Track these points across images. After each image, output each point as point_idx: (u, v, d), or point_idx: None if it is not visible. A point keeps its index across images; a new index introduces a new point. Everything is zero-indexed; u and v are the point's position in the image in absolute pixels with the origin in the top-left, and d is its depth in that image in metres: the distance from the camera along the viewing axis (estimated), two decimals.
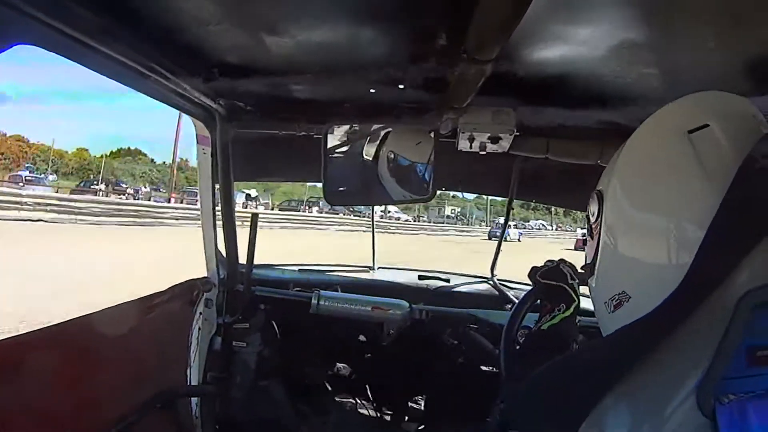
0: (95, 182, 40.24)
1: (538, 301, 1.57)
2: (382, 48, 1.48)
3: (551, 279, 1.49)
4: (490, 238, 36.99)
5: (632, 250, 0.94)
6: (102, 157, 51.26)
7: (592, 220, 1.05)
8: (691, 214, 0.84)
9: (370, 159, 2.21)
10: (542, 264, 1.55)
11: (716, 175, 0.82)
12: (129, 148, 57.88)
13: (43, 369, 1.46)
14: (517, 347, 1.58)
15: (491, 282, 2.79)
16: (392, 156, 2.19)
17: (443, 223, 54.29)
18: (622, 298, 0.94)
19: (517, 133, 1.92)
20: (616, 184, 0.99)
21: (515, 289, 2.72)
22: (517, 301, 1.80)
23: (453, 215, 61.70)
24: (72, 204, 22.92)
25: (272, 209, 40.67)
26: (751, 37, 1.22)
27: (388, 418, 2.61)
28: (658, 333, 0.80)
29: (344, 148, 2.21)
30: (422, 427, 2.61)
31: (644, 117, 1.00)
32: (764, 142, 0.80)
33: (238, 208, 2.60)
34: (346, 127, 2.20)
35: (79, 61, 1.28)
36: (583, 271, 1.13)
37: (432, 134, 2.08)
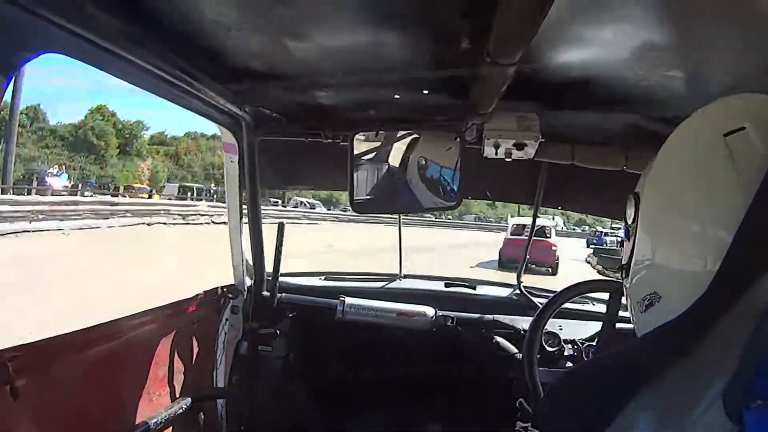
0: None
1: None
2: (405, 52, 1.48)
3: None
4: None
5: (664, 252, 0.93)
6: None
7: (629, 221, 1.05)
8: (722, 218, 0.83)
9: (397, 165, 2.21)
10: None
11: (749, 178, 0.80)
12: None
13: (73, 371, 1.49)
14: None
15: (518, 289, 2.76)
16: (422, 162, 2.18)
17: None
18: (653, 298, 0.93)
19: (542, 140, 1.91)
20: (652, 186, 0.99)
21: (542, 296, 2.68)
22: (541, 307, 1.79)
23: None
24: None
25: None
26: None
27: (412, 423, 2.59)
28: (685, 337, 0.79)
29: (371, 155, 2.21)
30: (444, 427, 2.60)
31: (670, 120, 0.99)
32: None
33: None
34: (373, 133, 2.21)
35: (104, 69, 1.31)
36: (619, 272, 1.12)
37: (458, 140, 2.08)
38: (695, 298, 0.79)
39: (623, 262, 1.08)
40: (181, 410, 1.93)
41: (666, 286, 0.92)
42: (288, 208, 36.39)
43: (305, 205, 42.46)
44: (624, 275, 1.07)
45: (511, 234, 19.63)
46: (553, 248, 19.41)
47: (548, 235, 19.33)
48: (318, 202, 44.34)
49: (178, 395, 1.99)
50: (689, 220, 0.88)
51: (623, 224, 1.10)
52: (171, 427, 1.85)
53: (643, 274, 0.98)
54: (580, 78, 1.55)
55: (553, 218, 23.98)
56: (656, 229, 0.96)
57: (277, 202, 37.63)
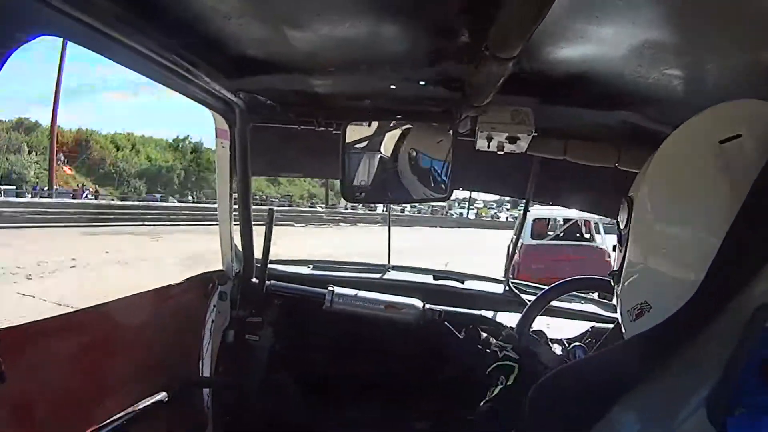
0: None
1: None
2: (404, 44, 1.48)
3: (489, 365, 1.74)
4: None
5: (656, 260, 0.93)
6: None
7: (622, 227, 1.05)
8: (714, 226, 0.82)
9: (389, 156, 2.22)
10: None
11: (744, 186, 0.80)
12: None
13: (58, 356, 1.49)
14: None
15: (506, 285, 2.77)
16: (414, 153, 2.19)
17: None
18: (643, 307, 0.94)
19: (536, 134, 1.92)
20: (645, 192, 0.98)
21: (530, 293, 2.69)
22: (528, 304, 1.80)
23: None
24: None
25: None
26: None
27: (398, 414, 2.60)
28: (670, 343, 0.79)
29: (363, 145, 2.21)
30: (431, 424, 2.61)
31: (664, 119, 1.00)
32: None
33: None
34: (366, 123, 2.21)
35: (101, 52, 1.30)
36: (611, 278, 1.12)
37: (451, 132, 2.08)
38: None
39: (615, 268, 1.08)
40: (167, 398, 1.92)
41: (657, 295, 0.92)
42: None
43: None
44: (616, 281, 1.07)
45: (534, 236, 11.10)
46: (607, 259, 10.12)
47: (591, 237, 11.38)
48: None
49: (164, 382, 1.99)
50: (682, 227, 0.89)
51: (615, 229, 1.10)
52: (156, 415, 1.85)
53: (635, 280, 0.99)
54: (578, 74, 1.55)
55: None
56: (649, 236, 0.96)
57: None
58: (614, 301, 1.10)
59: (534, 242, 10.83)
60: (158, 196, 39.03)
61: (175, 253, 14.77)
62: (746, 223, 0.77)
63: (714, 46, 1.27)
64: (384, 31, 1.41)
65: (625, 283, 1.02)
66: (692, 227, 0.87)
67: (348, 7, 1.28)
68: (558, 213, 11.51)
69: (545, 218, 11.72)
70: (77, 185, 36.68)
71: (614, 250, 1.13)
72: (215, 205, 2.48)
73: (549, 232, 11.61)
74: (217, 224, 2.41)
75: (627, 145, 1.96)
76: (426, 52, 1.53)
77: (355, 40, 1.46)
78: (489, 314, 2.45)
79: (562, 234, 11.34)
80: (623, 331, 1.03)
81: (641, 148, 1.03)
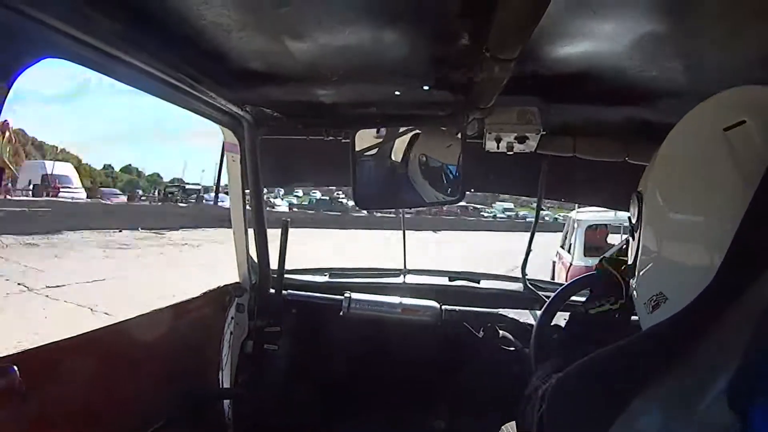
0: None
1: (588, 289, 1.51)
2: (405, 50, 1.48)
3: (614, 269, 1.39)
4: None
5: (669, 251, 0.93)
6: None
7: (633, 221, 1.05)
8: (726, 214, 0.82)
9: (399, 161, 2.23)
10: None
11: (751, 172, 0.80)
12: None
13: (80, 373, 1.50)
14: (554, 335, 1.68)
15: (523, 282, 2.76)
16: (424, 158, 2.20)
17: None
18: (659, 299, 0.93)
19: (544, 132, 1.92)
20: (654, 184, 0.98)
21: (547, 290, 2.68)
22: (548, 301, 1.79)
23: None
24: None
25: None
26: None
27: (417, 415, 2.60)
28: (689, 331, 0.79)
29: (373, 152, 2.23)
30: (451, 423, 2.61)
31: (670, 112, 0.99)
32: None
33: None
34: (374, 130, 2.22)
35: (106, 73, 1.31)
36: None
37: (459, 135, 2.09)
38: None
39: (629, 262, 1.08)
40: (188, 411, 1.94)
41: (671, 285, 0.92)
42: None
43: None
44: (630, 275, 1.06)
45: (590, 251, 8.03)
46: None
47: None
48: None
49: (184, 395, 2.00)
50: (693, 217, 0.88)
51: (627, 223, 1.10)
52: (178, 428, 1.87)
53: (649, 273, 0.98)
54: (581, 72, 1.54)
55: None
56: (660, 228, 0.95)
57: None
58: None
59: (582, 263, 7.80)
60: None
61: None
62: (761, 210, 0.76)
63: (715, 37, 1.27)
64: (384, 38, 1.41)
65: (640, 276, 1.02)
66: (703, 216, 0.86)
67: (347, 14, 1.28)
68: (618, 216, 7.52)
69: (602, 224, 8.46)
70: None
71: (626, 244, 1.12)
72: None
73: (612, 242, 8.09)
74: None
75: (636, 139, 1.95)
76: (427, 57, 1.53)
77: (356, 48, 1.47)
78: (506, 312, 2.45)
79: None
80: (642, 323, 1.02)
81: (650, 141, 1.03)
